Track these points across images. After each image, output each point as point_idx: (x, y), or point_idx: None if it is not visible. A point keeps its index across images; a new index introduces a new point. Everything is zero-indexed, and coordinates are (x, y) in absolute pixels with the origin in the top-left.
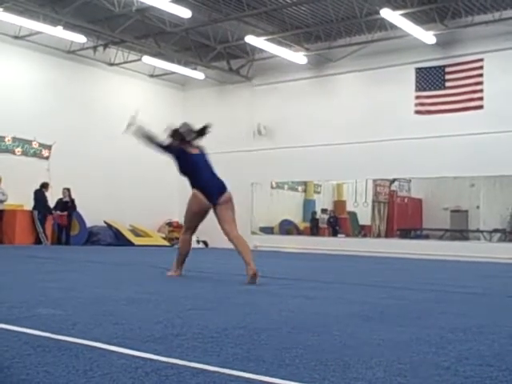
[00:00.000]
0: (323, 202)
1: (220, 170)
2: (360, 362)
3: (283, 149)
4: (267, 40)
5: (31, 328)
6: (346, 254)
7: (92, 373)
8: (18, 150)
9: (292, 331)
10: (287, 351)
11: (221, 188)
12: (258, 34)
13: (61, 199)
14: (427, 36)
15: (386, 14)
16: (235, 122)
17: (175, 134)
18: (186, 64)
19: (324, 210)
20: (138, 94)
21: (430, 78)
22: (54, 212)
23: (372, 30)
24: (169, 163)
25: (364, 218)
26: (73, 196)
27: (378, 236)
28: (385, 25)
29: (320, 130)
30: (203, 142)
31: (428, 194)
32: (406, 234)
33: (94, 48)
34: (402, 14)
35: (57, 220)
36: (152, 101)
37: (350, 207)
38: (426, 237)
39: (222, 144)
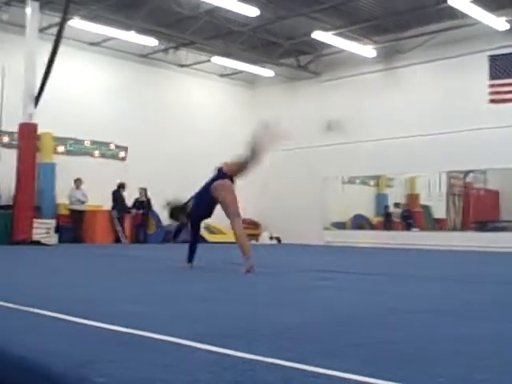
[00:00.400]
0: (396, 196)
1: (291, 166)
2: (443, 359)
3: (354, 143)
4: (335, 34)
5: (113, 324)
6: (420, 248)
7: (172, 368)
8: (97, 152)
9: (371, 327)
10: (368, 347)
11: None
12: (326, 29)
13: (137, 199)
14: (499, 22)
15: (455, 2)
16: (305, 117)
17: None
18: (254, 62)
19: (397, 204)
20: (209, 94)
21: (505, 65)
22: (131, 211)
23: (442, 19)
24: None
25: (438, 212)
26: (149, 195)
27: (454, 229)
28: (455, 13)
29: (391, 123)
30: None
31: (505, 185)
32: (482, 226)
33: (165, 50)
34: (471, 1)
35: (134, 219)
36: (222, 100)
37: (423, 200)
38: (504, 229)
39: (293, 140)
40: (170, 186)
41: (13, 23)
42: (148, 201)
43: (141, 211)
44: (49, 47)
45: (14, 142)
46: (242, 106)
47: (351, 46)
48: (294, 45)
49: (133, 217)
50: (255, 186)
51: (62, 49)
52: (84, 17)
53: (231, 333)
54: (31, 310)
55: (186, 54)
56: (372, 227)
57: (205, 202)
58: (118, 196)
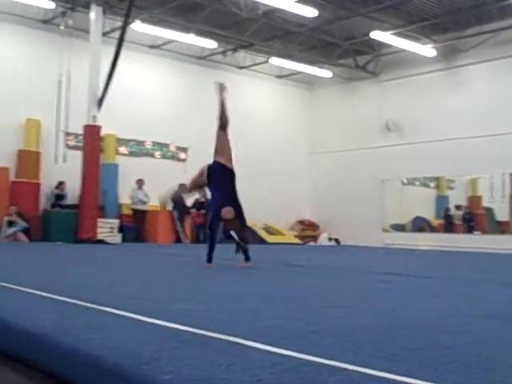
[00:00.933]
0: (457, 198)
1: (350, 167)
2: (504, 366)
3: (413, 144)
4: (394, 34)
5: (175, 322)
6: (482, 252)
7: (233, 367)
8: (158, 153)
9: (430, 331)
10: (426, 352)
11: None
12: (384, 29)
13: (197, 199)
14: None
15: None
16: (363, 118)
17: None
18: (312, 63)
19: (458, 207)
20: (267, 95)
21: None
22: (191, 212)
23: (504, 17)
24: (299, 164)
25: (501, 214)
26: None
27: None
28: None
29: (452, 124)
30: (333, 139)
31: None
32: None
33: (224, 52)
34: None
35: (194, 219)
36: (280, 101)
37: (485, 203)
38: None
39: (351, 141)
40: None
41: (77, 28)
42: (208, 201)
43: (201, 211)
44: (111, 51)
45: (79, 144)
46: (299, 107)
47: (410, 45)
48: (352, 45)
49: (193, 217)
50: (314, 187)
51: (123, 52)
52: (145, 20)
53: (292, 334)
54: (98, 307)
55: (244, 56)
56: (432, 230)
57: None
58: (177, 197)
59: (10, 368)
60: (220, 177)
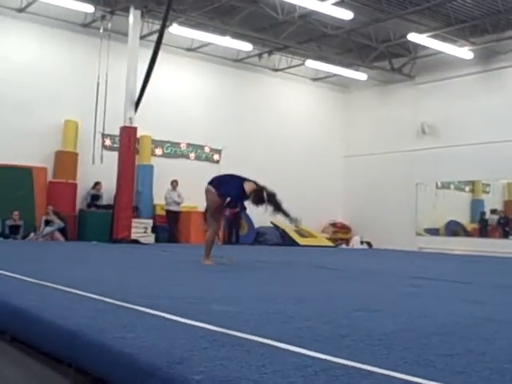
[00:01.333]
0: (492, 202)
1: (384, 171)
2: None
3: (449, 147)
4: (430, 36)
5: (206, 323)
6: None
7: (264, 369)
8: (192, 155)
9: (463, 337)
10: (459, 358)
11: None
12: (421, 31)
13: (231, 201)
14: None
15: None
16: (398, 121)
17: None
18: (348, 66)
19: (494, 211)
20: (302, 98)
21: None
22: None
23: None
24: (333, 166)
25: None
26: None
27: None
28: None
29: (487, 127)
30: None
31: None
32: None
33: (260, 55)
34: None
35: (229, 215)
36: (315, 104)
37: None
38: None
39: (386, 144)
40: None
41: (116, 31)
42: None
43: (235, 210)
44: (149, 53)
45: (115, 145)
46: (334, 110)
47: (447, 47)
48: (388, 47)
49: (227, 217)
50: (346, 190)
51: (160, 55)
52: (182, 23)
53: (323, 336)
54: (132, 306)
55: (279, 59)
56: (467, 234)
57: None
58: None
59: (45, 365)
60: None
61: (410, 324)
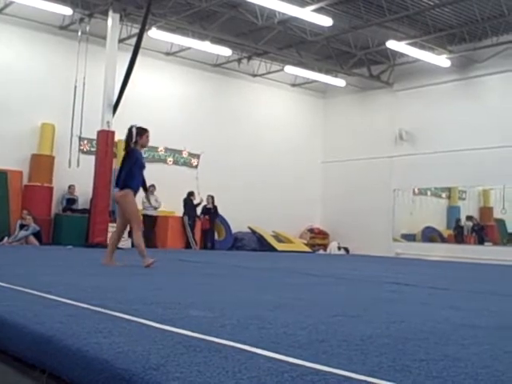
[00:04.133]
0: (468, 209)
1: (362, 177)
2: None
3: (426, 154)
4: (409, 44)
5: (183, 328)
6: (493, 264)
7: (241, 375)
8: (170, 159)
9: (439, 342)
10: (434, 363)
11: None
12: (400, 39)
13: (205, 206)
14: None
15: None
16: (376, 128)
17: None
18: (326, 72)
19: (469, 217)
20: (281, 103)
21: None
22: (200, 217)
23: None
24: (311, 172)
25: None
26: (218, 203)
27: None
28: None
29: (464, 134)
30: (346, 148)
31: None
32: None
33: (239, 60)
34: None
35: (202, 225)
36: (294, 109)
37: (497, 214)
38: None
39: (364, 150)
40: (239, 194)
41: (94, 34)
42: (215, 208)
43: (207, 217)
44: (127, 57)
45: (92, 149)
46: (313, 116)
47: (425, 55)
48: (367, 54)
49: (201, 223)
50: (324, 195)
51: (139, 58)
52: (161, 27)
53: (300, 342)
54: (107, 311)
55: (258, 64)
56: (443, 240)
57: None
58: (188, 203)
59: (17, 370)
60: None
61: (386, 329)
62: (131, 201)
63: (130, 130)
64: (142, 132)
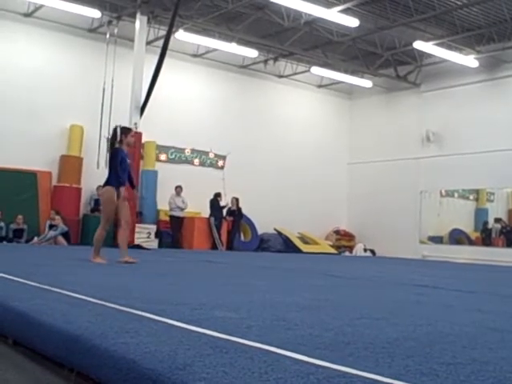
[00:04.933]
0: (497, 211)
1: (388, 178)
2: None
3: (453, 155)
4: (436, 44)
5: (210, 329)
6: None
7: (267, 376)
8: (196, 160)
9: (466, 346)
10: (462, 367)
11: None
12: (427, 39)
13: (229, 208)
14: None
15: None
16: (403, 129)
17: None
18: (353, 73)
19: (497, 220)
20: (307, 104)
21: None
22: (226, 218)
23: None
24: (337, 173)
25: None
26: (244, 204)
27: None
28: None
29: (492, 136)
30: (372, 150)
31: None
32: None
33: (265, 61)
34: None
35: (228, 226)
36: (320, 110)
37: None
38: None
39: (390, 151)
40: (265, 195)
41: (122, 37)
42: (239, 210)
43: (231, 218)
44: (155, 59)
45: None
46: (339, 117)
47: (453, 55)
48: (393, 55)
49: (227, 224)
50: (352, 197)
51: (166, 60)
52: (188, 29)
53: (327, 344)
54: (134, 311)
55: (284, 65)
56: (471, 243)
57: None
58: (215, 204)
59: (47, 369)
60: None
61: (413, 332)
62: (109, 198)
63: (114, 130)
64: (127, 131)
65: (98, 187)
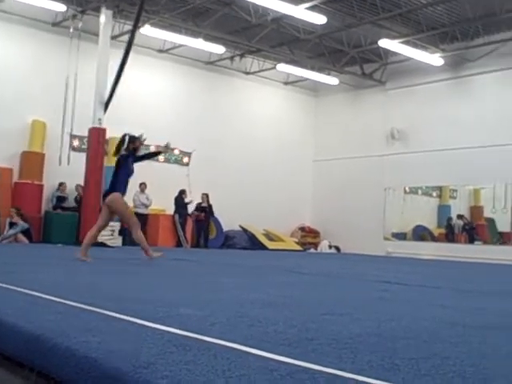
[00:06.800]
0: (459, 208)
1: (353, 175)
2: (501, 377)
3: (417, 153)
4: (401, 43)
5: (173, 327)
6: (483, 262)
7: (230, 373)
8: (161, 157)
9: (428, 341)
10: (423, 361)
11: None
12: (392, 37)
13: (200, 204)
14: None
15: None
16: (368, 126)
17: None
18: (319, 70)
19: (460, 216)
20: (273, 101)
21: None
22: (192, 215)
23: None
24: (302, 171)
25: (503, 225)
26: (210, 201)
27: None
28: None
29: (456, 133)
30: (337, 147)
31: None
32: None
33: (232, 58)
34: None
35: (196, 221)
36: (286, 107)
37: (487, 213)
38: None
39: (356, 149)
40: (230, 192)
41: (86, 31)
42: (210, 206)
43: (202, 214)
44: (120, 54)
45: (83, 146)
46: (305, 114)
47: (418, 54)
48: (359, 53)
49: (195, 219)
50: (316, 194)
51: (131, 56)
52: (154, 24)
53: (290, 340)
54: (97, 310)
55: (251, 62)
56: (434, 239)
57: None
58: (179, 201)
59: (6, 369)
60: None
61: (376, 328)
62: (121, 203)
63: (123, 137)
64: (135, 140)
65: (61, 184)
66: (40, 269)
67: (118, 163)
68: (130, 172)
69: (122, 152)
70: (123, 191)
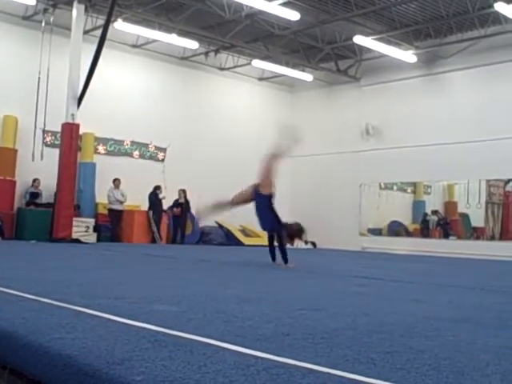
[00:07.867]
0: (433, 203)
1: (329, 171)
2: (475, 370)
3: (392, 149)
4: (375, 39)
5: (149, 323)
6: (457, 257)
7: (206, 368)
8: (136, 153)
9: (403, 335)
10: (399, 355)
11: None
12: (366, 34)
13: (177, 200)
14: None
15: (501, 7)
16: (343, 122)
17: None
18: (294, 66)
19: (434, 212)
20: (248, 97)
21: None
22: (167, 211)
23: (485, 25)
24: (281, 165)
25: (477, 220)
26: (188, 197)
27: (492, 238)
28: (499, 18)
29: (431, 130)
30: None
31: None
32: None
33: (206, 53)
34: None
35: (175, 216)
36: (261, 103)
37: (461, 208)
38: None
39: (330, 145)
40: (206, 188)
41: (58, 25)
42: (187, 202)
43: (179, 209)
44: (92, 49)
45: (56, 142)
46: (280, 110)
47: (392, 50)
48: (334, 49)
49: (174, 216)
50: (292, 189)
51: (104, 51)
52: (127, 19)
53: (266, 335)
54: (71, 306)
55: (226, 57)
56: (409, 234)
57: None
58: (153, 197)
59: None
60: (258, 203)
61: (352, 323)
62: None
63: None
64: None
65: (35, 180)
66: (12, 265)
67: None
68: None
69: None
70: None
